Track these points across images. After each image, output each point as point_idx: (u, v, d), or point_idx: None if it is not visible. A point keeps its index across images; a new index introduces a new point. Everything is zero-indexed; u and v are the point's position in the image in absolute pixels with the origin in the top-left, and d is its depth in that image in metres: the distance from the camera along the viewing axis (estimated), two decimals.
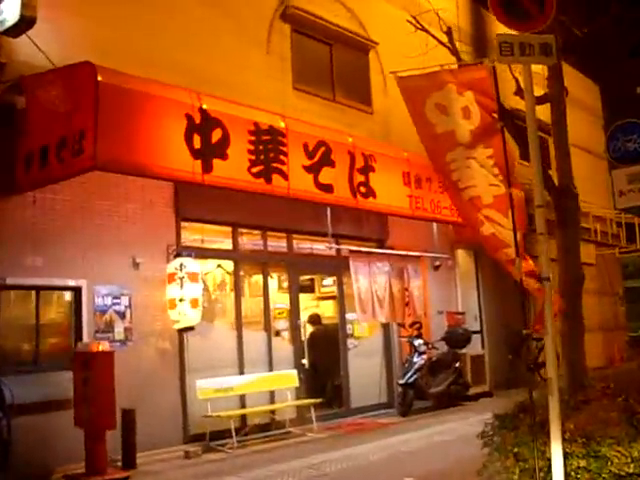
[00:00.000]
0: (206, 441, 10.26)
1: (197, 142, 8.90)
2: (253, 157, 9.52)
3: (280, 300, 12.56)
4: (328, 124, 11.81)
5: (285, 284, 12.81)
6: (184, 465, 9.48)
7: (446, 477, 7.85)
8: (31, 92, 9.06)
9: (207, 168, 8.95)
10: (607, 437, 5.75)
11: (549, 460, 5.61)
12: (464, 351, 14.37)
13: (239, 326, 11.47)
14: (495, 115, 6.52)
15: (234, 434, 10.22)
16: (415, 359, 13.08)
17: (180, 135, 8.77)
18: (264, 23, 12.53)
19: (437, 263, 14.68)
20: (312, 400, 11.59)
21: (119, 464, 9.18)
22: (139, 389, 9.77)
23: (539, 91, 9.24)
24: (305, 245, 12.99)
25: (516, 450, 6.21)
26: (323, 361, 13.19)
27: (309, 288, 15.21)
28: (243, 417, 11.09)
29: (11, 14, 8.67)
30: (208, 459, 9.80)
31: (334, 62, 13.86)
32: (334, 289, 13.78)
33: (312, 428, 11.36)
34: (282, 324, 12.32)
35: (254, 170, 9.53)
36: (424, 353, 13.26)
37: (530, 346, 16.58)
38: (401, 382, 12.95)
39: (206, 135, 8.99)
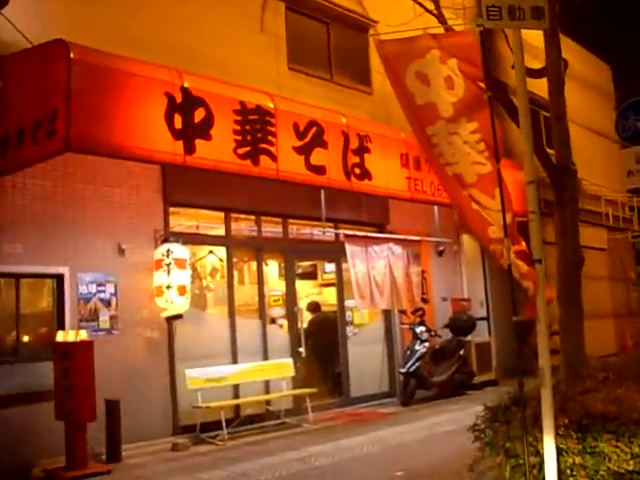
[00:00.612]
0: (196, 433, 9.94)
1: (178, 122, 8.53)
2: (239, 138, 9.14)
3: (276, 287, 12.20)
4: (325, 105, 11.38)
5: (281, 270, 12.42)
6: (171, 458, 9.15)
7: (437, 471, 7.46)
8: (7, 73, 8.72)
9: (189, 149, 8.58)
10: (605, 432, 5.34)
11: (542, 456, 5.23)
12: (469, 338, 13.95)
13: (232, 314, 11.10)
14: (482, 85, 6.08)
15: (224, 426, 9.88)
16: (417, 347, 12.68)
17: (160, 115, 8.40)
18: (257, 1, 12.09)
19: (441, 248, 14.23)
20: (307, 390, 11.23)
21: (103, 457, 8.88)
22: (126, 379, 9.45)
23: (538, 65, 8.85)
24: (301, 230, 12.60)
25: (508, 445, 5.83)
26: (322, 349, 12.84)
27: (311, 275, 14.87)
28: (237, 408, 10.75)
29: None
30: (197, 451, 9.47)
31: (331, 41, 13.42)
32: None
33: (308, 419, 11.01)
34: (278, 312, 11.98)
35: (240, 151, 9.14)
36: (426, 341, 12.85)
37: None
38: (402, 371, 12.56)
39: (188, 115, 8.62)
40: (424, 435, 9.94)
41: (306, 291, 14.57)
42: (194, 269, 10.85)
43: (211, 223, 11.44)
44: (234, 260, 11.53)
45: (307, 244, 12.57)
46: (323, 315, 13.34)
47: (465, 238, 15.26)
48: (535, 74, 8.50)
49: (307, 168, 9.93)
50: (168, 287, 9.67)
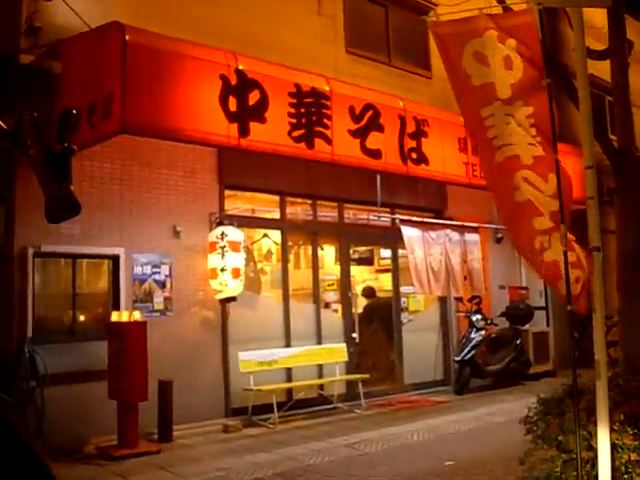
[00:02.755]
0: (248, 415, 9.98)
1: (233, 105, 8.48)
2: (294, 120, 9.06)
3: (330, 271, 12.15)
4: (383, 89, 11.22)
5: (336, 255, 12.35)
6: (221, 439, 9.22)
7: (488, 463, 7.32)
8: (65, 56, 8.82)
9: (244, 132, 8.54)
10: None
11: (595, 451, 5.07)
12: (527, 328, 13.69)
13: (286, 297, 11.10)
14: (538, 70, 5.88)
15: (275, 409, 9.89)
16: (472, 335, 12.50)
17: (214, 97, 8.37)
18: None
19: (499, 235, 13.93)
20: (360, 375, 11.18)
21: (155, 437, 8.99)
22: (179, 361, 9.54)
23: (601, 47, 8.54)
24: (358, 215, 12.50)
25: (560, 438, 5.68)
26: (377, 335, 12.75)
27: (368, 260, 14.80)
28: (289, 391, 10.76)
29: None
30: (247, 434, 9.51)
31: (390, 24, 13.21)
32: None
33: (360, 404, 10.95)
34: (332, 296, 11.93)
35: (295, 134, 9.06)
36: (482, 329, 12.65)
37: None
38: (457, 359, 12.40)
39: (243, 97, 8.57)
40: (476, 425, 9.78)
41: (362, 276, 14.51)
42: (249, 252, 10.86)
43: (266, 206, 11.45)
44: (289, 244, 11.50)
45: (363, 229, 12.48)
46: (378, 301, 13.25)
47: None
48: (598, 56, 8.22)
49: (363, 152, 9.80)
50: (222, 270, 9.70)
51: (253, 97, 8.68)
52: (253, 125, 8.64)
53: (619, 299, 7.23)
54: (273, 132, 8.86)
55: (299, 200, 11.62)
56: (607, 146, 7.21)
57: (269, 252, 11.61)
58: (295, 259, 12.12)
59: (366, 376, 11.18)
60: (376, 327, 12.69)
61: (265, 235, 11.43)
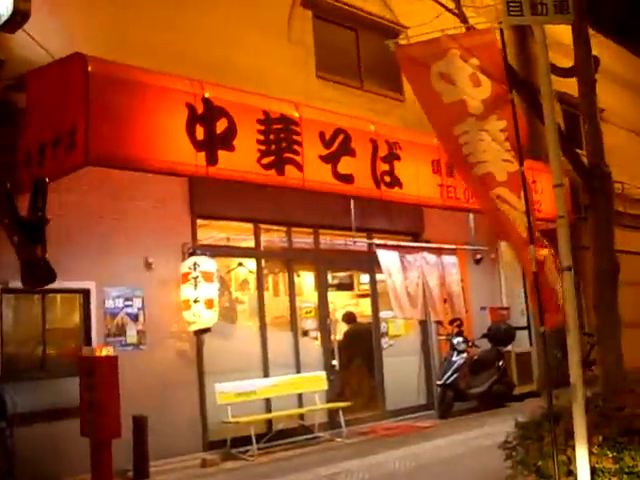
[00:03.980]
0: (227, 448, 9.77)
1: (200, 133, 8.41)
2: (263, 147, 8.98)
3: (308, 299, 11.99)
4: (356, 113, 11.19)
5: (313, 282, 12.19)
6: (199, 474, 8.99)
7: None
8: (30, 89, 8.71)
9: (212, 160, 8.46)
10: None
11: (576, 476, 4.93)
12: (509, 349, 13.56)
13: (263, 326, 10.92)
14: (504, 87, 5.84)
15: (254, 441, 9.68)
16: (454, 358, 12.36)
17: (181, 126, 8.29)
18: (284, 10, 11.94)
19: (478, 256, 13.86)
20: (341, 403, 10.99)
21: (130, 474, 8.76)
22: (155, 395, 9.34)
23: (570, 63, 8.51)
24: (334, 241, 12.38)
25: (540, 464, 5.54)
26: (357, 362, 12.58)
27: (348, 285, 14.63)
28: (269, 422, 10.55)
29: (4, 8, 8.32)
30: (226, 467, 9.29)
31: (360, 48, 13.20)
32: None
33: (342, 433, 10.76)
34: (310, 324, 11.76)
35: (264, 161, 8.99)
36: (464, 352, 12.51)
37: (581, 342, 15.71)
38: (439, 383, 12.25)
39: (210, 125, 8.50)
40: (460, 451, 9.61)
41: (343, 302, 14.35)
42: (224, 282, 10.72)
43: (240, 235, 11.31)
44: (264, 272, 11.35)
45: (339, 254, 12.34)
46: (358, 326, 13.07)
47: (503, 245, 14.86)
48: (564, 73, 8.18)
49: (334, 177, 9.73)
50: (195, 301, 9.54)
51: (221, 125, 8.60)
52: (221, 153, 8.56)
53: (596, 317, 7.14)
54: (242, 160, 8.78)
55: (274, 227, 11.50)
56: (576, 162, 7.15)
57: (245, 281, 11.46)
58: (271, 287, 11.95)
59: (347, 404, 11.01)
60: (356, 353, 12.51)
61: (240, 264, 11.29)
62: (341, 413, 10.83)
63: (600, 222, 7.06)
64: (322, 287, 11.96)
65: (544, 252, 6.53)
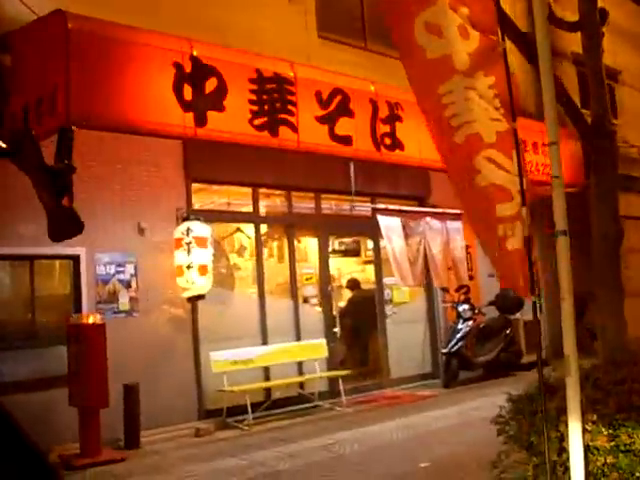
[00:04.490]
0: (223, 417, 9.59)
1: (188, 93, 8.09)
2: (255, 108, 8.64)
3: (309, 265, 11.71)
4: (360, 74, 10.77)
5: (314, 248, 11.89)
6: (191, 444, 8.82)
7: (464, 465, 6.90)
8: (15, 48, 8.41)
9: (200, 121, 8.14)
10: None
11: (569, 454, 4.64)
12: (517, 316, 13.23)
13: (262, 293, 10.67)
14: (493, 38, 5.43)
15: (250, 410, 9.49)
16: (460, 326, 12.06)
17: (168, 86, 7.98)
18: None
19: None
20: (340, 372, 10.77)
21: (122, 444, 8.60)
22: (148, 363, 9.15)
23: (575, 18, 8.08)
24: (337, 206, 12.05)
25: (533, 439, 5.25)
26: (361, 329, 12.35)
27: (354, 252, 14.35)
28: (268, 391, 10.35)
29: None
30: (220, 437, 9.12)
31: (365, 6, 12.73)
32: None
33: (341, 402, 10.54)
34: (311, 290, 11.48)
35: (257, 122, 8.65)
36: (470, 319, 12.20)
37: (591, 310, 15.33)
38: (444, 351, 11.98)
39: (198, 85, 8.16)
40: (460, 421, 9.35)
41: (349, 268, 14.09)
42: (221, 248, 10.47)
43: (239, 199, 11.01)
44: (264, 238, 11.08)
45: (342, 220, 12.00)
46: (363, 293, 12.79)
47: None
48: (570, 27, 7.75)
49: (331, 138, 9.38)
50: (188, 267, 9.29)
51: (210, 85, 8.28)
52: (211, 114, 8.23)
53: (597, 284, 6.82)
54: (233, 121, 8.45)
55: (274, 192, 11.19)
56: (578, 120, 6.76)
57: (242, 247, 11.20)
58: (271, 253, 11.68)
59: (346, 372, 10.78)
60: (360, 321, 12.26)
61: (238, 229, 11.01)
62: (341, 382, 10.61)
63: (603, 184, 6.71)
64: (323, 253, 11.67)
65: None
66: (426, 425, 9.21)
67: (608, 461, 4.69)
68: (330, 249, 14.09)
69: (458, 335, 11.95)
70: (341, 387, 10.57)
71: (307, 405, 10.49)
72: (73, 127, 2.12)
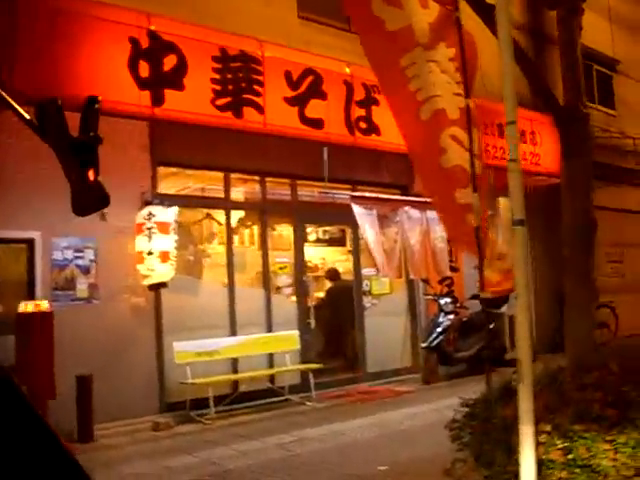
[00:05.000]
0: (186, 411, 9.20)
1: (144, 70, 7.66)
2: (218, 87, 8.22)
3: (284, 254, 11.27)
4: (341, 56, 10.30)
5: (290, 235, 11.45)
6: (147, 439, 8.43)
7: (423, 470, 6.45)
8: None
9: (157, 100, 7.74)
10: (602, 441, 4.30)
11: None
12: (503, 310, 12.77)
13: (231, 282, 10.24)
14: (449, 7, 5.02)
15: (212, 404, 9.09)
16: (440, 319, 11.61)
17: (123, 62, 7.54)
18: None
19: None
20: (312, 365, 10.34)
21: (75, 437, 8.21)
22: (107, 353, 8.77)
23: None
24: (315, 193, 11.60)
25: (486, 448, 4.86)
26: (339, 321, 11.93)
27: (339, 241, 13.91)
28: (236, 384, 9.95)
29: None
30: (178, 432, 8.73)
31: None
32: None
33: (311, 397, 10.13)
34: (285, 280, 11.05)
35: (220, 102, 8.23)
36: (452, 313, 11.76)
37: None
38: (423, 345, 11.53)
39: (156, 62, 7.73)
40: (434, 420, 8.85)
41: (333, 258, 13.67)
42: (190, 234, 10.06)
43: (214, 185, 10.58)
44: (236, 224, 10.66)
45: (319, 207, 11.53)
46: (342, 284, 12.35)
47: (501, 200, 14.00)
48: (552, 4, 7.25)
49: (301, 121, 8.94)
50: (149, 253, 8.87)
51: (169, 62, 7.84)
52: (169, 93, 7.83)
53: (566, 282, 6.38)
54: (193, 100, 8.03)
55: (246, 177, 10.75)
56: (549, 100, 6.29)
57: (212, 234, 10.76)
58: (243, 241, 11.25)
59: (318, 366, 10.35)
60: (337, 312, 11.84)
61: (208, 215, 10.57)
62: (311, 375, 10.19)
63: (575, 171, 6.25)
64: (299, 241, 11.22)
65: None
66: (397, 423, 8.80)
67: (563, 476, 4.29)
68: (314, 238, 13.70)
69: (439, 329, 11.52)
70: (311, 381, 10.15)
71: (276, 399, 10.09)
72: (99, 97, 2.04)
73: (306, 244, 13.01)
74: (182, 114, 7.97)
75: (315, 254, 13.83)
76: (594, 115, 16.84)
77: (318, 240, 13.92)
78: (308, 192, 11.47)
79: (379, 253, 10.44)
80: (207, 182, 10.62)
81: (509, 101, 4.50)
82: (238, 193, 10.64)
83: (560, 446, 4.39)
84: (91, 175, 2.25)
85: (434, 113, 5.43)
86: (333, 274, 12.56)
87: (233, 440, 8.11)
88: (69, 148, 2.19)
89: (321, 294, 12.43)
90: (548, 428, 4.52)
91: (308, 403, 9.99)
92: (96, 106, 2.28)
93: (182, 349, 9.23)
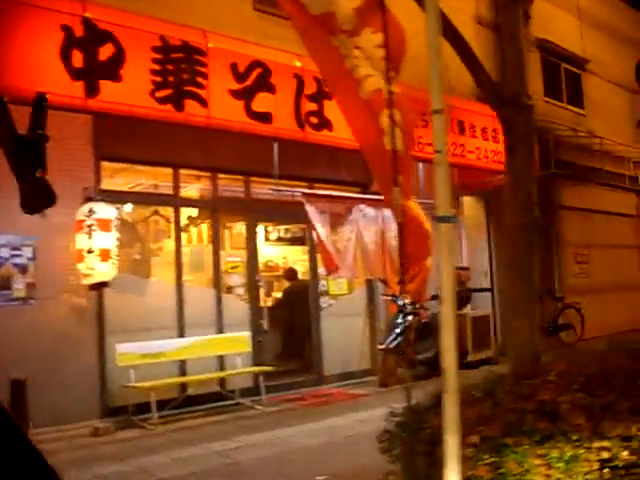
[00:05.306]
0: (128, 415, 8.86)
1: (78, 60, 7.30)
2: (158, 79, 7.89)
3: (235, 253, 10.93)
4: (300, 51, 9.95)
5: (242, 233, 11.12)
6: (85, 444, 8.08)
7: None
8: None
9: (92, 91, 7.39)
10: (534, 455, 3.97)
11: None
12: (465, 312, 12.54)
13: (180, 282, 9.90)
14: None
15: (154, 408, 8.75)
16: (398, 320, 11.28)
17: (54, 51, 7.18)
18: None
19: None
20: (263, 367, 10.02)
21: None
22: (45, 355, 8.43)
23: None
24: (270, 190, 11.26)
25: (418, 463, 4.54)
26: (295, 322, 11.62)
27: (301, 240, 13.60)
28: (183, 388, 9.61)
29: None
30: (118, 438, 8.38)
31: None
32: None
33: (261, 401, 9.81)
34: (237, 280, 10.70)
35: (159, 94, 7.90)
36: (411, 314, 11.44)
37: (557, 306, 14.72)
38: (381, 347, 11.21)
39: (91, 51, 7.38)
40: (382, 426, 8.62)
41: (295, 257, 13.37)
42: (136, 232, 9.71)
43: (161, 181, 10.24)
44: (185, 222, 10.31)
45: (273, 205, 11.17)
46: (299, 284, 12.05)
47: (466, 200, 13.78)
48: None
49: (248, 115, 8.62)
50: (89, 251, 8.51)
51: (105, 51, 7.49)
52: (104, 84, 7.48)
53: (508, 280, 6.10)
54: (130, 92, 7.69)
55: (197, 173, 10.41)
56: (486, 87, 5.97)
57: (160, 231, 10.41)
58: (192, 239, 10.90)
59: (269, 368, 10.02)
60: (292, 313, 11.53)
61: (156, 212, 10.22)
62: (262, 379, 9.88)
63: (517, 167, 5.96)
64: (252, 240, 10.89)
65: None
66: (348, 429, 8.48)
67: None
68: (275, 237, 13.40)
69: (397, 330, 11.18)
70: (261, 384, 9.84)
71: (226, 403, 9.76)
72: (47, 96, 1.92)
73: (267, 243, 12.70)
74: (119, 106, 7.62)
75: (276, 253, 13.54)
76: (562, 114, 16.82)
77: (280, 239, 13.63)
78: (263, 189, 11.12)
79: (331, 252, 10.11)
80: (158, 179, 10.27)
81: (435, 89, 4.18)
82: (189, 190, 10.30)
83: (488, 461, 4.07)
84: (39, 173, 2.29)
85: (372, 94, 5.13)
86: (291, 274, 12.25)
87: (174, 446, 7.78)
88: (16, 146, 2.28)
89: (279, 294, 12.11)
90: (476, 440, 4.21)
91: (258, 407, 9.67)
92: (45, 104, 2.47)
93: (125, 351, 8.89)
